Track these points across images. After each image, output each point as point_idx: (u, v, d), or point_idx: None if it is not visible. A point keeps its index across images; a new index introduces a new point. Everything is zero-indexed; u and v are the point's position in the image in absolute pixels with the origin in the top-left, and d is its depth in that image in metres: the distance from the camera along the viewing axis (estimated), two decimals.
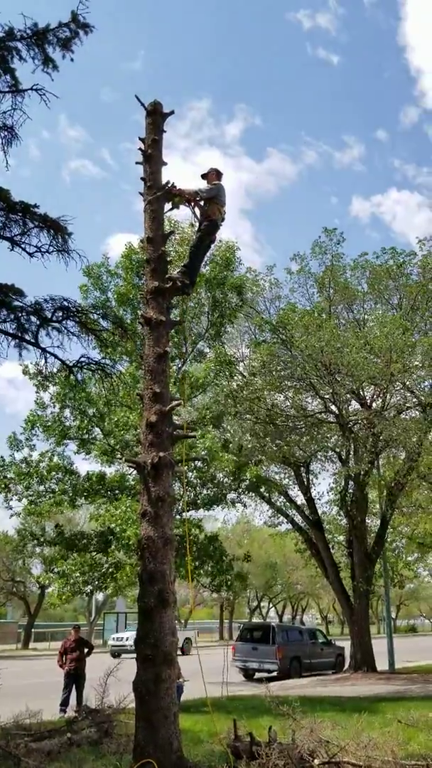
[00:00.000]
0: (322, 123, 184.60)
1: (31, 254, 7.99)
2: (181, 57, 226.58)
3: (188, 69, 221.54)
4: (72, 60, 7.76)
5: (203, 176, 8.93)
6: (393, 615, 55.29)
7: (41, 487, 16.64)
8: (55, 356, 8.34)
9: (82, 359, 8.58)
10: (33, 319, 7.89)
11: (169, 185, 8.51)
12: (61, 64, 7.78)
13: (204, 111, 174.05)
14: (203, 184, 8.83)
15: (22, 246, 7.95)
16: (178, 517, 15.80)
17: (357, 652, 22.81)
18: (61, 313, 7.96)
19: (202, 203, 8.70)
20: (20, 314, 7.82)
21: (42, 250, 7.95)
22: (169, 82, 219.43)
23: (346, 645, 24.76)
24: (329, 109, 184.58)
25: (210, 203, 8.62)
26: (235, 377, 20.71)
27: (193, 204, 8.82)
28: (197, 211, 8.83)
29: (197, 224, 8.95)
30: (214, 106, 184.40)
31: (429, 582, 42.21)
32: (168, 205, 8.73)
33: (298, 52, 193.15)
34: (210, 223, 8.62)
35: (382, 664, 23.01)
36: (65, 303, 7.95)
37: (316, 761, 6.83)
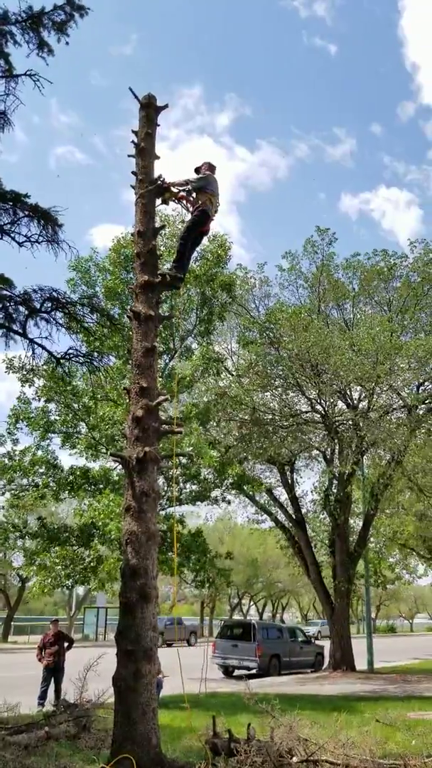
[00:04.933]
0: (316, 115, 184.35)
1: (20, 244, 7.92)
2: (174, 41, 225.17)
3: (180, 54, 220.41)
4: (67, 44, 7.67)
5: (196, 170, 8.86)
6: (372, 615, 55.58)
7: (24, 481, 16.55)
8: (43, 347, 8.27)
9: (70, 351, 8.50)
10: (21, 309, 7.81)
11: (160, 180, 8.44)
12: (55, 47, 7.68)
13: (196, 98, 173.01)
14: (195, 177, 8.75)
15: (12, 235, 7.86)
16: (162, 512, 15.77)
17: (336, 651, 22.92)
18: (50, 304, 7.88)
19: (193, 195, 8.62)
20: (8, 304, 7.73)
21: (32, 240, 7.87)
22: (161, 67, 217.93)
23: (326, 644, 24.85)
24: (323, 102, 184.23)
25: (201, 193, 8.51)
26: (223, 375, 20.68)
27: (185, 201, 8.76)
28: (189, 207, 8.76)
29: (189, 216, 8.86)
30: (206, 93, 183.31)
31: (410, 583, 42.41)
32: (159, 200, 8.66)
33: (294, 40, 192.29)
34: (200, 214, 8.47)
35: (361, 663, 23.13)
36: (54, 294, 7.88)
37: (295, 759, 6.83)
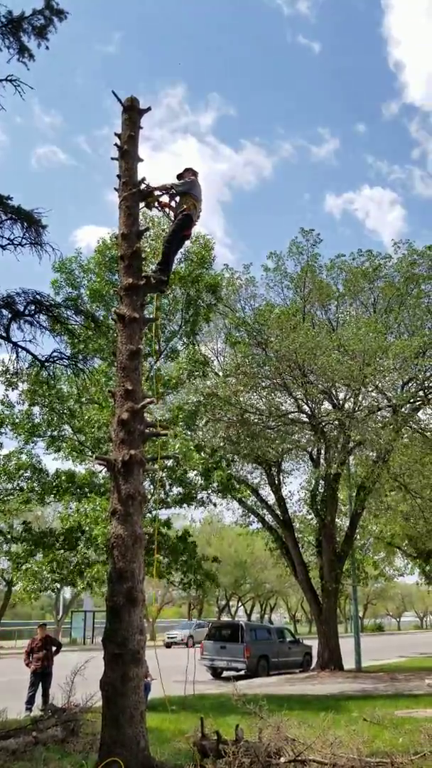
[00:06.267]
0: (300, 115, 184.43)
1: (3, 247, 7.88)
2: (158, 40, 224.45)
3: (164, 53, 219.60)
4: (47, 48, 7.67)
5: (179, 176, 8.91)
6: (360, 614, 55.80)
7: (9, 485, 16.46)
8: (27, 350, 8.23)
9: (55, 354, 8.47)
10: (4, 312, 7.77)
11: (144, 185, 8.46)
12: (35, 51, 7.66)
13: (180, 97, 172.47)
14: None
15: None
16: (148, 515, 15.74)
17: (324, 651, 22.97)
18: (33, 307, 7.84)
19: (176, 199, 8.67)
20: None
21: (14, 242, 7.83)
22: (145, 66, 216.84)
23: (314, 644, 24.92)
24: (307, 101, 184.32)
25: (184, 197, 8.59)
26: (209, 376, 20.67)
27: (167, 208, 8.83)
28: (171, 213, 8.83)
29: (172, 220, 8.92)
30: (189, 92, 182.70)
31: (391, 578, 42.67)
32: (142, 204, 8.69)
33: (277, 39, 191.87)
34: (185, 217, 8.55)
35: (349, 662, 23.21)
36: (38, 297, 7.85)
37: (282, 759, 6.85)
